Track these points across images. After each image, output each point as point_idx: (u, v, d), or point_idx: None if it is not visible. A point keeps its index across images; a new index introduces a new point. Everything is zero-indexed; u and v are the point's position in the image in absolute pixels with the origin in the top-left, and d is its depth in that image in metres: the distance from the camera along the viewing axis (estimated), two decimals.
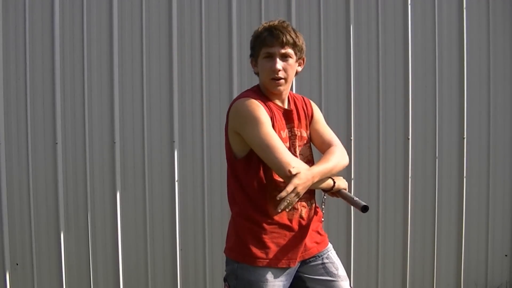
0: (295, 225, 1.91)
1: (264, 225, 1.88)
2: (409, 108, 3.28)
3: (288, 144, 1.91)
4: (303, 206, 1.93)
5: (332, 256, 2.01)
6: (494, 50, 3.32)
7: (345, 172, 3.24)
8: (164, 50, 3.21)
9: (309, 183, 1.79)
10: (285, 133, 1.93)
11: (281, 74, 1.88)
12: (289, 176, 1.74)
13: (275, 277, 1.89)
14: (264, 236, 1.88)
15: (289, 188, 1.74)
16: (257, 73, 1.98)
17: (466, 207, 3.34)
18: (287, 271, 1.92)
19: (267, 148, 1.78)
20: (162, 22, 3.22)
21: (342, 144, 2.05)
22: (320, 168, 1.85)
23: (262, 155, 1.81)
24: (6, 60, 3.19)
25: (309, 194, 1.94)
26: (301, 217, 1.92)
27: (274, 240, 1.88)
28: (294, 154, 1.92)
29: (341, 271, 2.00)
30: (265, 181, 1.88)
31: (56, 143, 3.21)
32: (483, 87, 3.34)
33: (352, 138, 3.26)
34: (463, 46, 3.30)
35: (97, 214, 3.24)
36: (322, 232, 2.04)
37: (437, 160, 3.31)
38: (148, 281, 3.28)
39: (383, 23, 3.27)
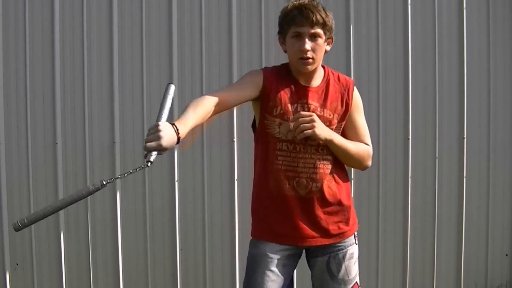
0: (293, 203, 1.90)
1: (263, 198, 1.94)
2: (409, 108, 3.28)
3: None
4: (309, 180, 1.90)
5: (341, 256, 1.96)
6: (494, 50, 3.32)
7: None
8: (164, 50, 3.21)
9: (326, 133, 1.84)
10: (294, 107, 1.90)
11: (309, 54, 1.86)
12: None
13: (271, 252, 1.90)
14: (262, 209, 1.95)
15: (307, 113, 1.82)
16: (285, 51, 1.96)
17: (466, 207, 3.34)
18: (288, 251, 1.92)
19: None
20: (162, 22, 3.22)
21: None
22: (343, 140, 1.92)
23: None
24: (6, 60, 3.19)
25: (321, 176, 1.91)
26: (303, 197, 1.91)
27: (270, 214, 1.92)
28: None
29: (342, 274, 1.95)
30: (265, 153, 1.93)
31: (56, 143, 3.21)
32: (483, 87, 3.34)
33: None
34: (463, 46, 3.29)
35: (97, 214, 3.24)
36: (343, 226, 1.97)
37: (437, 160, 3.31)
38: (148, 281, 3.28)
39: (383, 23, 3.27)
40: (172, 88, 1.82)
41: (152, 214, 3.26)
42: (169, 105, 1.81)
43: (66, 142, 3.22)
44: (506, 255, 3.40)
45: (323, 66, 2.01)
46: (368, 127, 3.25)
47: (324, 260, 1.95)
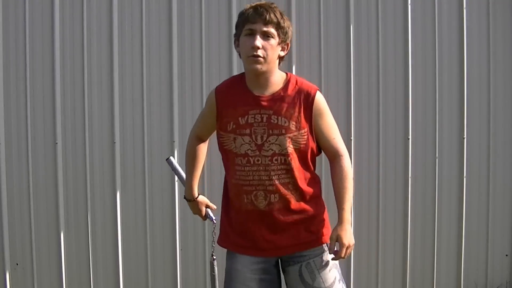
0: (253, 216, 1.93)
1: (228, 208, 2.04)
2: (409, 108, 3.28)
3: (248, 131, 1.88)
4: (267, 193, 1.89)
5: (312, 264, 1.93)
6: (494, 50, 3.32)
7: None
8: (164, 50, 3.21)
9: (351, 235, 1.91)
10: (244, 119, 1.89)
11: (260, 52, 1.83)
12: None
13: (243, 266, 1.95)
14: (225, 218, 2.08)
15: (343, 253, 1.88)
16: (239, 54, 1.95)
17: (466, 207, 3.34)
18: (259, 264, 1.94)
19: None
20: (162, 22, 3.22)
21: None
22: (349, 206, 1.94)
23: None
24: (6, 61, 3.19)
25: (282, 188, 1.90)
26: (263, 210, 1.91)
27: (231, 225, 2.01)
28: (255, 140, 1.88)
29: (317, 283, 1.91)
30: (226, 167, 2.03)
31: (56, 143, 3.21)
32: (483, 87, 3.33)
33: (352, 138, 3.26)
34: (463, 46, 3.29)
35: (97, 214, 3.24)
36: (307, 235, 1.95)
37: (437, 160, 3.31)
38: (148, 281, 3.27)
39: (383, 23, 3.27)
40: (174, 160, 2.35)
41: (152, 214, 3.26)
42: (182, 173, 2.29)
43: (66, 142, 3.22)
44: (506, 255, 3.40)
45: (287, 74, 1.98)
46: (368, 127, 3.28)
47: (296, 270, 1.94)
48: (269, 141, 1.88)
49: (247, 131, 1.88)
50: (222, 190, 2.06)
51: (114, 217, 3.24)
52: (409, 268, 3.33)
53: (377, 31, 3.26)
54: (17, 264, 3.24)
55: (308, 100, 1.92)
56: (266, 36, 1.85)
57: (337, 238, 1.86)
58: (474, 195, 3.35)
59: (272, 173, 1.88)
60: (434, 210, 3.32)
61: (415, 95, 3.28)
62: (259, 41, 1.83)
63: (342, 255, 1.85)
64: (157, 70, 3.23)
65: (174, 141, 3.23)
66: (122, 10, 3.21)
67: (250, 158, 1.88)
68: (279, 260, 2.00)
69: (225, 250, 2.06)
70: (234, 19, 3.19)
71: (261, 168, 1.88)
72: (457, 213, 3.34)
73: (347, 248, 1.85)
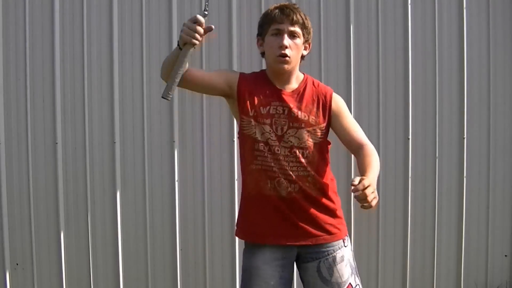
0: (274, 203, 1.92)
1: (245, 198, 1.98)
2: (409, 108, 3.28)
3: (269, 121, 1.92)
4: (289, 182, 1.92)
5: (330, 259, 1.96)
6: (494, 50, 3.32)
7: (346, 172, 3.24)
8: (164, 50, 3.21)
9: (375, 192, 1.72)
10: (266, 109, 1.93)
11: (287, 51, 1.89)
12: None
13: (265, 263, 1.91)
14: (244, 209, 2.00)
15: (366, 182, 1.67)
16: (262, 53, 2.00)
17: (466, 207, 3.34)
18: (279, 260, 1.92)
19: None
20: (162, 22, 3.22)
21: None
22: (375, 175, 1.83)
23: None
24: (6, 60, 3.19)
25: (302, 179, 1.92)
26: (285, 197, 1.92)
27: (251, 214, 1.96)
28: (276, 131, 1.92)
29: (335, 278, 1.94)
30: (244, 153, 1.96)
31: (56, 143, 3.21)
32: (483, 87, 3.34)
33: None
34: (463, 46, 3.29)
35: (97, 214, 3.24)
36: (328, 227, 1.97)
37: (437, 160, 3.31)
38: (148, 281, 3.27)
39: (383, 23, 3.27)
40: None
41: (152, 214, 3.26)
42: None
43: (66, 142, 3.22)
44: (506, 255, 3.40)
45: (304, 74, 2.05)
46: (368, 127, 3.27)
47: (315, 266, 1.95)
48: (289, 133, 1.93)
49: (268, 121, 1.92)
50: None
51: (114, 217, 3.24)
52: (409, 268, 3.33)
53: (377, 31, 3.26)
54: (17, 264, 3.24)
55: (326, 99, 2.00)
56: (292, 35, 1.92)
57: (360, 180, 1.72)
58: (474, 195, 3.35)
59: (291, 164, 1.92)
60: (434, 210, 3.32)
61: (415, 95, 3.28)
62: (287, 41, 1.90)
63: (360, 186, 1.67)
64: (157, 70, 3.21)
65: (174, 141, 3.23)
66: (122, 10, 3.21)
67: (271, 146, 1.92)
68: (296, 257, 2.01)
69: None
70: (234, 19, 3.22)
71: (281, 158, 1.91)
72: (457, 213, 3.34)
73: (368, 187, 1.68)
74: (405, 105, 3.28)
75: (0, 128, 3.19)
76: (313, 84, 2.03)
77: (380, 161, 1.94)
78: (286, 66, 1.92)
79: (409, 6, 3.26)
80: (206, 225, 3.26)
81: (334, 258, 1.97)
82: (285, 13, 1.91)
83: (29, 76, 3.19)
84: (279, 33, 1.91)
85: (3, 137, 3.20)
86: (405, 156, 3.30)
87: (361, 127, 3.23)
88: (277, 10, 1.93)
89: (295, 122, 1.94)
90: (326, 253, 1.97)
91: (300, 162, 1.93)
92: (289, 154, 1.92)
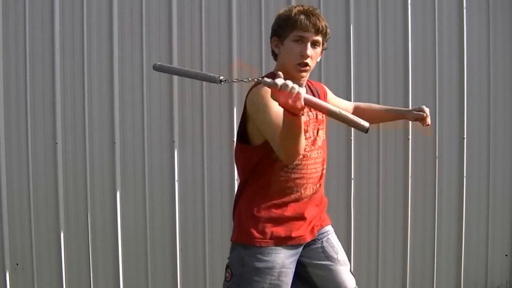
0: (302, 205, 1.90)
1: (269, 206, 1.87)
2: (409, 108, 3.27)
3: (306, 127, 1.87)
4: (312, 185, 1.92)
5: (332, 239, 1.99)
6: (494, 50, 3.32)
7: (345, 172, 3.24)
8: (164, 50, 3.21)
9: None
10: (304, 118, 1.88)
11: (308, 60, 1.85)
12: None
13: (287, 260, 1.86)
14: (268, 215, 1.86)
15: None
16: (274, 54, 1.94)
17: (466, 207, 3.34)
18: (295, 256, 1.89)
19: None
20: (162, 21, 3.22)
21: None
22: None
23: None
24: (6, 60, 3.18)
25: (319, 178, 1.95)
26: (308, 195, 1.92)
27: (283, 218, 1.87)
28: (311, 137, 1.91)
29: (341, 255, 1.98)
30: (267, 165, 1.86)
31: (56, 143, 3.21)
32: (483, 87, 3.34)
33: (352, 138, 3.26)
34: (463, 46, 3.30)
35: (97, 214, 3.24)
36: (325, 214, 2.06)
37: (437, 160, 3.31)
38: (148, 281, 3.27)
39: (383, 23, 3.27)
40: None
41: (152, 214, 3.26)
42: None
43: (66, 142, 3.22)
44: (506, 255, 3.40)
45: None
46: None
47: (318, 247, 1.96)
48: (319, 135, 1.96)
49: (305, 128, 1.87)
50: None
51: (114, 217, 3.24)
52: (409, 268, 3.33)
53: (377, 31, 3.26)
54: (17, 264, 3.24)
55: (324, 93, 2.11)
56: (314, 44, 1.87)
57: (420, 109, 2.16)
58: (474, 195, 3.36)
59: (317, 165, 1.94)
60: (434, 210, 3.32)
61: (415, 95, 3.28)
62: (310, 51, 1.85)
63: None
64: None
65: (174, 141, 3.23)
66: (122, 9, 3.20)
67: (307, 152, 1.90)
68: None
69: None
70: (234, 19, 3.22)
71: (312, 162, 1.92)
72: (457, 213, 3.35)
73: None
74: (405, 105, 3.28)
75: (0, 128, 3.19)
76: (311, 82, 2.07)
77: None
78: (304, 74, 1.88)
79: (409, 6, 3.26)
80: (206, 225, 3.26)
81: (333, 236, 2.03)
82: (311, 21, 1.84)
83: (29, 76, 3.19)
84: (302, 41, 1.84)
85: (3, 137, 3.19)
86: (405, 156, 3.30)
87: None
88: (302, 16, 1.84)
89: (321, 124, 1.97)
90: (326, 233, 2.01)
91: (322, 160, 1.97)
92: (317, 155, 1.94)
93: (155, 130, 3.24)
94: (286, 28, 1.87)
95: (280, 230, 1.86)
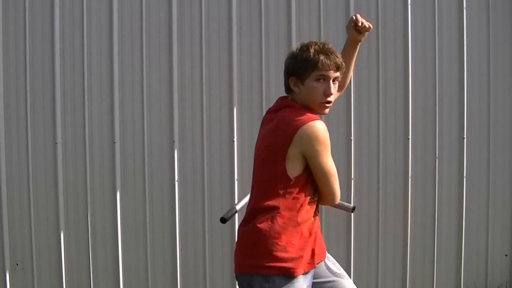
0: (314, 231, 1.92)
1: (297, 233, 1.87)
2: (409, 108, 3.28)
3: None
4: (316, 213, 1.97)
5: (330, 256, 2.05)
6: (494, 50, 3.32)
7: (345, 172, 3.24)
8: (164, 50, 3.21)
9: None
10: None
11: (331, 97, 1.90)
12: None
13: (304, 284, 1.87)
14: (297, 241, 1.86)
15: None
16: (289, 89, 1.94)
17: (466, 207, 3.34)
18: (312, 273, 1.92)
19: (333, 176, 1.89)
20: (162, 22, 3.22)
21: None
22: None
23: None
24: (6, 60, 3.19)
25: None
26: (318, 214, 1.97)
27: (303, 246, 1.87)
28: None
29: (342, 269, 2.04)
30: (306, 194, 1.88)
31: (56, 143, 3.21)
32: (483, 87, 3.34)
33: (352, 138, 3.26)
34: (463, 46, 3.29)
35: (97, 214, 3.24)
36: None
37: (437, 160, 3.31)
38: (148, 281, 3.27)
39: (383, 23, 3.27)
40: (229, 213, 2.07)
41: (152, 214, 3.26)
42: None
43: (66, 142, 3.22)
44: (506, 255, 3.40)
45: None
46: (368, 127, 3.27)
47: (322, 265, 1.99)
48: None
49: None
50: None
51: (114, 217, 3.24)
52: (409, 268, 3.32)
53: (377, 31, 3.26)
54: (17, 264, 3.24)
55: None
56: (334, 81, 1.90)
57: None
58: (474, 195, 3.35)
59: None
60: (434, 210, 3.32)
61: (415, 95, 3.28)
62: (334, 89, 1.89)
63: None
64: (157, 70, 3.23)
65: (174, 141, 3.23)
66: (122, 9, 3.21)
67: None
68: None
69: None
70: (234, 19, 3.21)
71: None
72: (457, 213, 3.34)
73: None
74: (405, 105, 3.28)
75: (0, 128, 3.19)
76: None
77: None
78: (327, 110, 1.93)
79: (409, 6, 3.26)
80: (206, 225, 3.26)
81: (331, 256, 2.05)
82: (332, 60, 1.86)
83: (29, 76, 3.19)
84: (324, 79, 1.87)
85: (3, 137, 3.19)
86: (405, 156, 3.29)
87: (361, 127, 3.27)
88: (322, 57, 1.86)
89: None
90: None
91: None
92: None
93: (155, 130, 3.24)
94: (306, 69, 1.88)
95: (308, 256, 1.89)
